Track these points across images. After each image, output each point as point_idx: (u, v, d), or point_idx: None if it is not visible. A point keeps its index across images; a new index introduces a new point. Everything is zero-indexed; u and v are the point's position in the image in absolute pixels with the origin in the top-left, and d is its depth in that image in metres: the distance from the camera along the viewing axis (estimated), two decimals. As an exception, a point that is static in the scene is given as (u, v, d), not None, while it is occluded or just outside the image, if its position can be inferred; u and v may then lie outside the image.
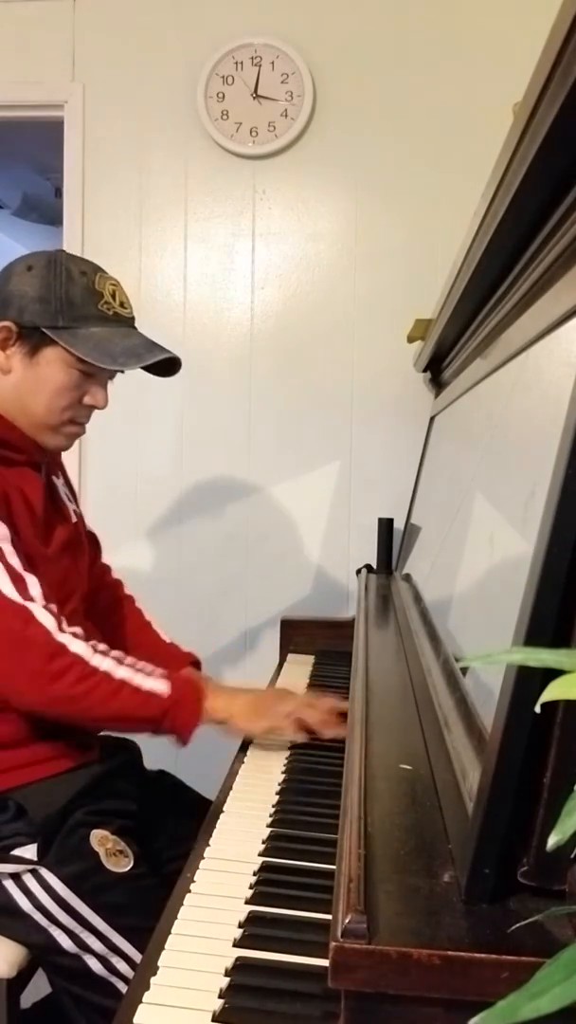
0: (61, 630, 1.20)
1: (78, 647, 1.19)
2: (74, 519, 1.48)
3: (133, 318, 1.37)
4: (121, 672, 1.21)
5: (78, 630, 1.22)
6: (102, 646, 1.24)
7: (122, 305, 1.35)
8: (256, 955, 0.84)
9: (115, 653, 1.24)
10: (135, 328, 1.37)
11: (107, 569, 1.65)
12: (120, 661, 1.23)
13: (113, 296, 1.33)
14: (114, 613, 1.60)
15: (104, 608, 1.59)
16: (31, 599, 1.20)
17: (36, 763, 1.27)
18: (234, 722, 1.30)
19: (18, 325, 1.29)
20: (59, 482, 1.48)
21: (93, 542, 1.60)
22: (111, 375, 1.36)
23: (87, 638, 1.22)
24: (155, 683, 1.23)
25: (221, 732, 1.31)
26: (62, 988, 1.22)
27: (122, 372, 1.35)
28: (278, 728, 1.30)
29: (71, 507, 1.50)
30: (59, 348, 1.29)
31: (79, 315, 1.30)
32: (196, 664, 1.60)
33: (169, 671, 1.29)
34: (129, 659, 1.25)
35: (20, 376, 1.31)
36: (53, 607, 1.21)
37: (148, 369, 1.36)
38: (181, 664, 1.57)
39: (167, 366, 1.37)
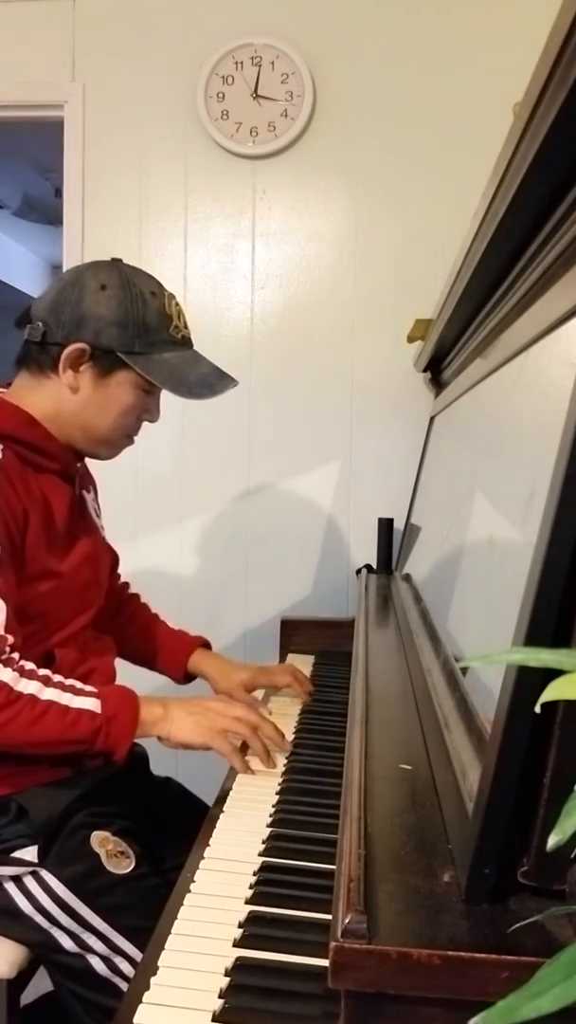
0: None
1: (5, 675, 1.14)
2: (101, 534, 1.49)
3: (191, 336, 1.39)
4: (47, 694, 1.16)
5: (14, 655, 1.17)
6: (30, 666, 1.18)
7: (185, 326, 1.38)
8: (256, 955, 0.84)
9: (42, 673, 1.18)
10: (196, 350, 1.39)
11: (117, 577, 1.66)
12: (47, 682, 1.17)
13: (179, 317, 1.36)
14: (121, 614, 1.61)
15: (111, 611, 1.60)
16: None
17: (39, 768, 1.26)
18: (170, 735, 1.24)
19: (93, 347, 1.29)
20: (89, 496, 1.48)
21: (113, 555, 1.61)
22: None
23: (19, 660, 1.17)
24: (84, 701, 1.18)
25: (160, 744, 1.26)
26: (65, 988, 1.21)
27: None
28: (214, 746, 1.24)
29: (99, 523, 1.50)
30: (131, 372, 1.31)
31: (154, 340, 1.31)
32: (207, 645, 1.63)
33: (99, 687, 1.22)
34: (57, 678, 1.19)
35: (88, 395, 1.32)
36: (8, 637, 1.17)
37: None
38: (192, 648, 1.60)
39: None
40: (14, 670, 1.15)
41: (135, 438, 1.42)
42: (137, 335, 1.30)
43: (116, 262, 1.37)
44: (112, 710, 1.19)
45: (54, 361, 1.31)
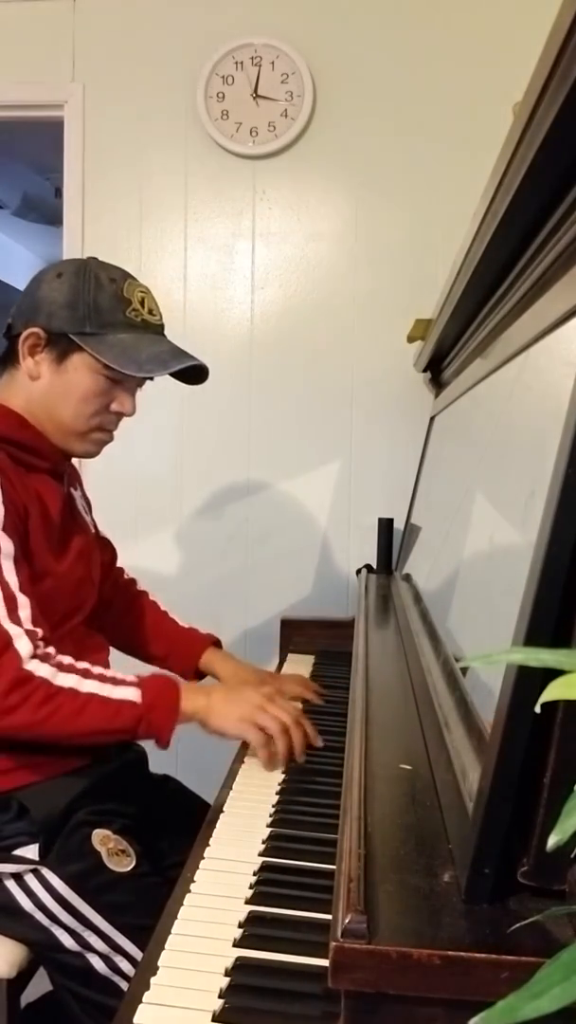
0: (34, 656, 1.16)
1: (43, 671, 1.16)
2: (91, 530, 1.49)
3: (162, 325, 1.37)
4: (87, 686, 1.18)
5: (50, 650, 1.18)
6: (68, 660, 1.19)
7: (151, 312, 1.35)
8: (256, 955, 0.84)
9: (81, 666, 1.20)
10: (164, 335, 1.37)
11: (121, 571, 1.66)
12: (86, 675, 1.19)
13: (142, 303, 1.34)
14: (131, 612, 1.61)
15: (121, 609, 1.60)
16: (17, 622, 1.17)
17: (39, 764, 1.26)
18: (207, 722, 1.25)
19: (46, 331, 1.30)
20: (77, 494, 1.48)
21: (107, 548, 1.61)
22: (139, 383, 1.37)
23: (55, 655, 1.19)
24: (125, 691, 1.19)
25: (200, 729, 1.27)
26: (65, 987, 1.21)
27: (150, 379, 1.36)
28: (247, 738, 1.26)
29: (88, 519, 1.50)
30: (86, 354, 1.30)
31: (107, 321, 1.30)
32: (217, 644, 1.62)
33: (142, 675, 1.24)
34: (97, 670, 1.21)
35: (48, 382, 1.32)
36: (38, 631, 1.18)
37: (177, 376, 1.36)
38: (203, 646, 1.59)
39: (195, 373, 1.37)
40: (52, 665, 1.17)
41: (113, 433, 1.39)
42: (88, 316, 1.29)
43: (87, 259, 1.37)
44: (152, 699, 1.20)
45: (17, 352, 1.32)
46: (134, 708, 1.18)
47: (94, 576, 1.45)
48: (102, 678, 1.20)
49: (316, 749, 1.32)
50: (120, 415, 1.37)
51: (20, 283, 5.89)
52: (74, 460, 1.48)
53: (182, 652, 1.60)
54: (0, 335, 1.37)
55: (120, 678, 1.21)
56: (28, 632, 1.17)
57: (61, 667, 1.18)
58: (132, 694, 1.19)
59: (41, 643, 1.18)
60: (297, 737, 1.26)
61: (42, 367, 1.32)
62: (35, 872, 1.20)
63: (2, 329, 1.37)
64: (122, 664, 1.40)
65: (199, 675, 1.60)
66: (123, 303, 1.32)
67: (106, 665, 1.42)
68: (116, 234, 2.53)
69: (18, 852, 1.21)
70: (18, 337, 1.32)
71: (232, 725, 1.25)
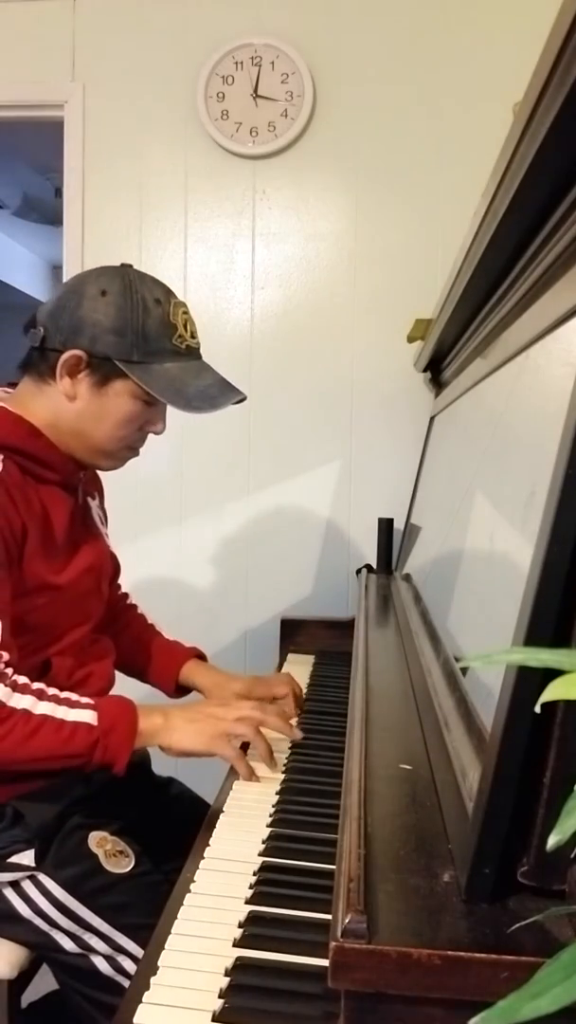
0: None
1: None
2: (105, 542, 1.46)
3: (199, 346, 1.35)
4: (41, 708, 1.14)
5: (7, 671, 1.16)
6: (23, 680, 1.16)
7: (192, 336, 1.32)
8: (256, 955, 0.84)
9: (36, 687, 1.17)
10: (203, 360, 1.34)
11: (117, 586, 1.64)
12: (40, 696, 1.15)
13: (185, 326, 1.31)
14: (113, 624, 1.58)
15: (107, 621, 1.58)
16: None
17: (35, 774, 1.24)
18: (171, 744, 1.22)
19: (89, 355, 1.26)
20: (94, 503, 1.46)
21: (114, 566, 1.59)
22: None
23: (11, 675, 1.16)
24: (80, 714, 1.16)
25: (163, 753, 1.24)
26: (71, 987, 1.21)
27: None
28: (217, 752, 1.23)
29: (103, 530, 1.47)
30: (130, 382, 1.27)
31: (153, 350, 1.27)
32: (201, 657, 1.59)
33: (96, 698, 1.21)
34: (52, 691, 1.17)
35: (85, 404, 1.29)
36: (3, 654, 1.16)
37: None
38: (184, 658, 1.56)
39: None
40: (7, 685, 1.14)
41: (139, 449, 1.38)
42: (136, 344, 1.26)
43: (124, 268, 1.33)
44: (109, 722, 1.17)
45: (52, 368, 1.28)
46: (89, 732, 1.15)
47: (103, 588, 1.43)
48: (56, 699, 1.17)
49: (314, 749, 1.32)
50: (149, 434, 1.36)
51: (20, 283, 5.91)
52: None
53: (162, 665, 1.56)
54: (29, 345, 1.31)
55: (75, 700, 1.18)
56: None
57: (15, 687, 1.15)
58: (88, 716, 1.16)
59: (3, 664, 1.15)
60: (274, 722, 1.27)
61: (80, 388, 1.28)
62: (32, 878, 1.19)
63: (33, 338, 1.30)
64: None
65: (180, 690, 1.57)
66: (170, 329, 1.28)
67: (109, 671, 1.41)
68: (116, 234, 2.53)
69: (14, 859, 1.20)
70: (54, 352, 1.27)
71: (198, 743, 1.21)
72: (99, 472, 1.49)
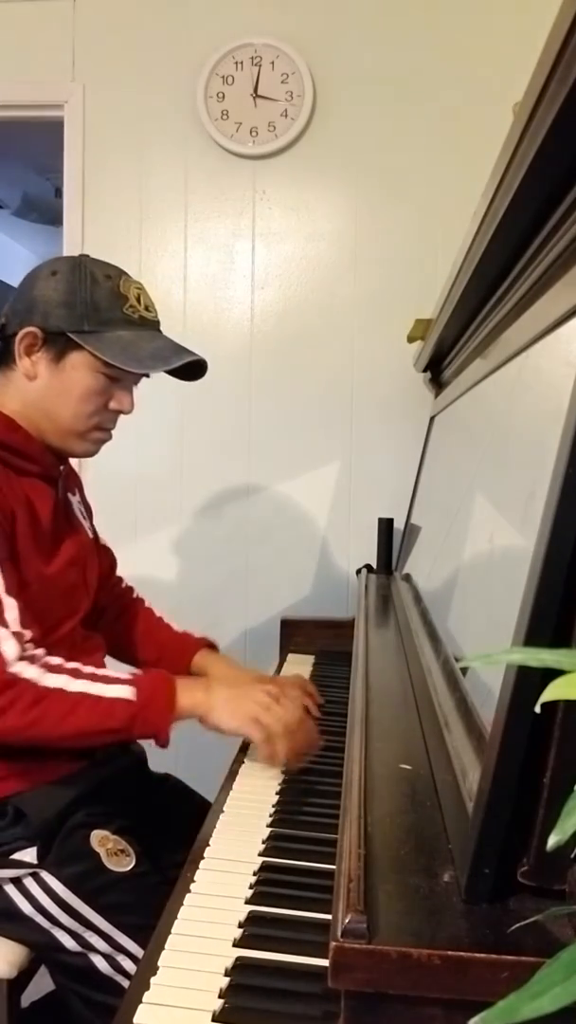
0: (20, 658, 1.15)
1: (30, 672, 1.14)
2: (89, 535, 1.47)
3: (158, 321, 1.36)
4: (76, 686, 1.16)
5: (38, 652, 1.17)
6: (57, 661, 1.18)
7: (147, 308, 1.34)
8: (256, 955, 0.84)
9: (71, 666, 1.18)
10: (160, 332, 1.36)
11: (119, 580, 1.64)
12: (76, 674, 1.17)
13: (138, 299, 1.32)
14: (122, 617, 1.59)
15: (114, 615, 1.59)
16: (3, 623, 1.16)
17: (34, 770, 1.25)
18: (206, 718, 1.23)
19: (43, 330, 1.28)
20: (75, 499, 1.46)
21: (106, 556, 1.60)
22: (136, 380, 1.36)
23: (43, 656, 1.17)
24: (118, 689, 1.17)
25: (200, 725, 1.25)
26: (69, 988, 1.21)
27: (147, 376, 1.34)
28: (246, 733, 1.24)
29: (85, 524, 1.48)
30: (85, 353, 1.28)
31: (105, 319, 1.28)
32: (212, 647, 1.59)
33: (137, 672, 1.23)
34: (88, 669, 1.19)
35: (46, 382, 1.30)
36: (26, 632, 1.17)
37: (175, 373, 1.35)
38: (195, 648, 1.57)
39: (194, 369, 1.35)
40: (39, 666, 1.15)
41: (112, 431, 1.38)
42: (86, 315, 1.28)
43: (79, 256, 1.35)
44: (147, 696, 1.18)
45: (12, 352, 1.30)
46: (128, 706, 1.16)
47: (89, 582, 1.43)
48: (93, 677, 1.18)
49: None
50: (118, 413, 1.36)
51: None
52: (74, 463, 1.47)
53: (173, 655, 1.57)
54: None
55: (113, 676, 1.20)
56: (15, 634, 1.15)
57: (49, 668, 1.16)
58: (126, 692, 1.17)
59: (29, 645, 1.16)
60: (299, 740, 1.25)
61: (39, 366, 1.30)
62: (34, 875, 1.20)
63: None
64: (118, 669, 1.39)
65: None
66: (120, 299, 1.30)
67: (101, 665, 1.41)
68: (116, 234, 2.53)
69: (16, 856, 1.21)
70: (13, 337, 1.30)
71: (234, 721, 1.22)
72: (90, 466, 1.49)
